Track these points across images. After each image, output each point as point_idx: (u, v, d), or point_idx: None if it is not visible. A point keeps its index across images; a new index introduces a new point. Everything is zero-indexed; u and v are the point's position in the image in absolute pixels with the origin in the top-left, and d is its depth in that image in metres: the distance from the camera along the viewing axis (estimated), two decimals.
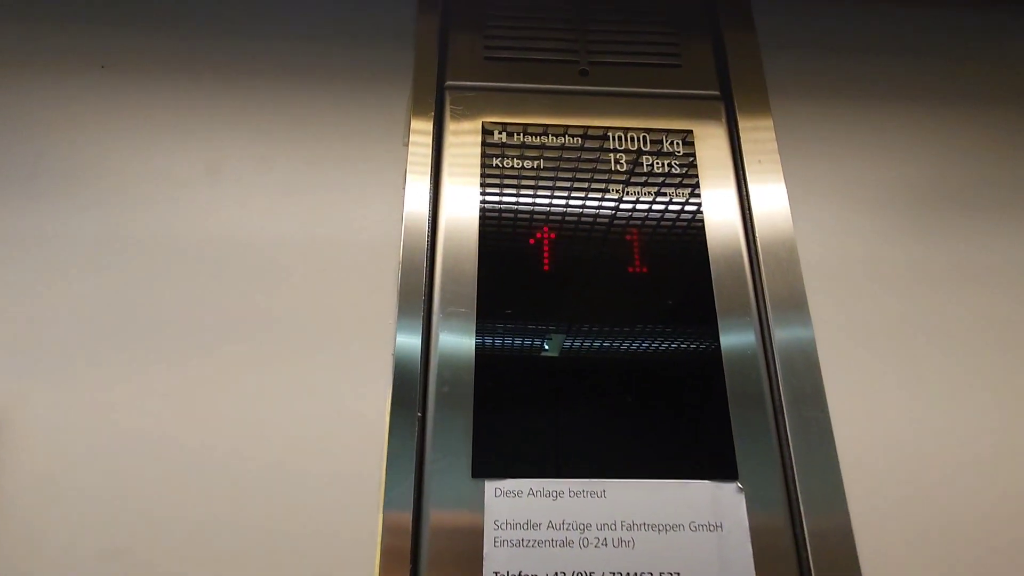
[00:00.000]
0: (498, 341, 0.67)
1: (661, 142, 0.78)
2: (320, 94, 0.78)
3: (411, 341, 0.66)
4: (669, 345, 0.68)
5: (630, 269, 0.71)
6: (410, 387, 0.64)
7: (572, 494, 0.61)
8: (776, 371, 0.67)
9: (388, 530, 0.58)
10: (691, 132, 0.79)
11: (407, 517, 0.59)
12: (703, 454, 0.64)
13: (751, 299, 0.70)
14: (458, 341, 0.66)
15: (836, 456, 0.63)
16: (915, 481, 0.63)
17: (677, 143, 0.79)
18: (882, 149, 0.79)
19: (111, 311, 0.65)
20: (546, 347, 0.67)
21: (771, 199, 0.75)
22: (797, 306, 0.70)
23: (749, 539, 0.60)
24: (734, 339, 0.68)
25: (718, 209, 0.75)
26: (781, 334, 0.68)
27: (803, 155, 0.79)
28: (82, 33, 0.78)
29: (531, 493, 0.61)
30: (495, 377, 0.65)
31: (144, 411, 0.61)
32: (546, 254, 0.71)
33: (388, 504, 0.59)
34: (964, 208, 0.77)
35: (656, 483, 0.62)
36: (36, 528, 0.57)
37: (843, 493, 0.62)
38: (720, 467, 0.63)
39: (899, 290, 0.71)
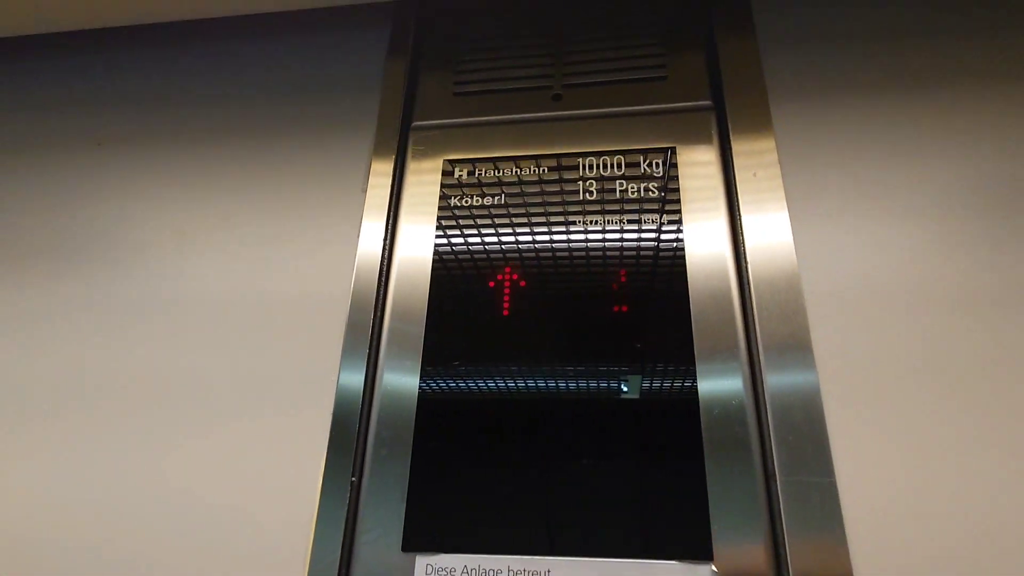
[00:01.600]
0: (443, 394, 0.61)
1: (638, 164, 0.70)
2: (287, 147, 0.78)
3: (352, 399, 0.62)
4: (636, 396, 0.59)
5: (594, 311, 0.63)
6: (346, 450, 0.60)
7: (512, 573, 0.53)
8: (768, 425, 0.55)
9: None
10: (673, 149, 0.70)
11: None
12: (671, 528, 0.53)
13: (739, 339, 0.60)
14: (400, 397, 0.61)
15: (844, 534, 0.51)
16: (953, 569, 0.49)
17: (656, 163, 0.70)
18: (906, 150, 0.65)
19: (66, 374, 0.67)
20: (492, 398, 0.61)
21: (769, 218, 0.64)
22: (798, 346, 0.58)
23: None
24: (715, 387, 0.58)
25: (701, 233, 0.65)
26: (776, 380, 0.57)
27: (810, 165, 0.67)
28: (79, 115, 0.85)
29: (465, 571, 0.54)
30: (435, 433, 0.59)
31: (92, 473, 0.62)
32: (505, 295, 0.65)
33: None
34: (1013, 215, 0.61)
35: (611, 562, 0.52)
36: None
37: (850, 573, 0.49)
38: (691, 544, 0.52)
39: (925, 316, 0.57)
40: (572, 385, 0.60)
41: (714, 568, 0.51)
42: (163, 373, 0.67)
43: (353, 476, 0.59)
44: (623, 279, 0.64)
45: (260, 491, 0.59)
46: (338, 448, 0.60)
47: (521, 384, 0.61)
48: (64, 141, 0.83)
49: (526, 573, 0.53)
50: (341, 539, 0.56)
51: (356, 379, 0.63)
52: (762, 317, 0.60)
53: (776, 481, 0.53)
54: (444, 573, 0.54)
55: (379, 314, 0.66)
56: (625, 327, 0.62)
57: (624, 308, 0.63)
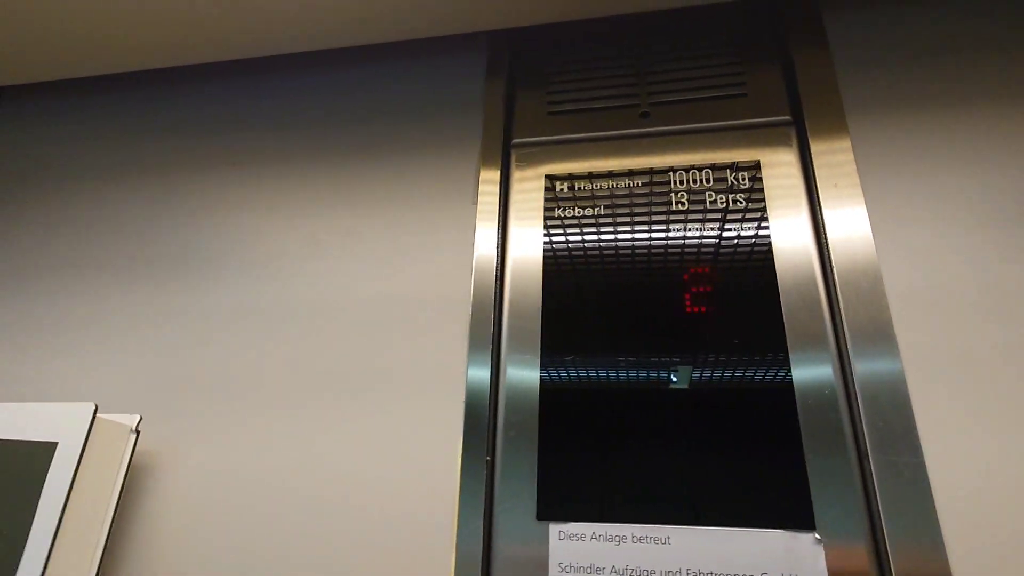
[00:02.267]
0: (562, 381, 0.70)
1: (725, 176, 0.77)
2: (399, 166, 0.87)
3: (481, 388, 0.71)
4: (739, 384, 0.67)
5: (694, 309, 0.70)
6: (479, 433, 0.69)
7: (635, 539, 0.62)
8: (859, 410, 0.62)
9: (461, 567, 0.63)
10: (758, 163, 0.77)
11: (477, 556, 0.63)
12: (776, 501, 0.61)
13: (828, 332, 0.67)
14: (524, 384, 0.70)
15: (933, 506, 0.58)
16: None
17: (742, 175, 0.77)
18: (978, 158, 0.71)
19: (239, 369, 0.78)
20: (610, 386, 0.69)
21: (850, 224, 0.71)
22: (883, 337, 0.65)
23: None
24: (808, 376, 0.65)
25: (788, 238, 0.72)
26: (864, 368, 0.64)
27: (886, 174, 0.73)
28: (215, 138, 0.95)
29: (594, 537, 0.62)
30: (559, 419, 0.68)
31: (256, 460, 0.73)
32: (609, 293, 0.73)
33: (460, 543, 0.64)
34: None
35: (725, 531, 0.60)
36: (181, 555, 0.70)
37: (943, 548, 0.56)
38: (795, 515, 0.60)
39: (1002, 315, 0.63)
40: (675, 375, 0.68)
41: (816, 535, 0.58)
42: (310, 369, 0.76)
43: (487, 456, 0.68)
44: (717, 279, 0.72)
45: (407, 470, 0.69)
46: (472, 431, 0.69)
47: (634, 373, 0.69)
48: (201, 161, 0.94)
49: (648, 539, 0.61)
50: (482, 510, 0.65)
51: (483, 371, 0.72)
52: (848, 312, 0.67)
53: (869, 461, 0.60)
54: (575, 539, 0.62)
55: (498, 312, 0.75)
56: (720, 323, 0.69)
57: (714, 306, 0.70)
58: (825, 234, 0.71)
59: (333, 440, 0.72)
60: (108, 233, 0.91)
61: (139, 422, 0.72)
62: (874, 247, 0.69)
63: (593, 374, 0.70)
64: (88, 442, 0.66)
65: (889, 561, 0.56)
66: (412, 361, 0.75)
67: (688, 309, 0.70)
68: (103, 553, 0.66)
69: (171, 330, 0.82)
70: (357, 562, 0.66)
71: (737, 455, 0.64)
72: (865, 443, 0.61)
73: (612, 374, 0.69)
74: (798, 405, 0.64)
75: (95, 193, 0.95)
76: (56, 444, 0.66)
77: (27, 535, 0.62)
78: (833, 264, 0.69)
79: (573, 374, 0.70)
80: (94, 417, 0.67)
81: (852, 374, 0.64)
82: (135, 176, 0.95)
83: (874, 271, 0.68)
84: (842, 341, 0.66)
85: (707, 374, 0.67)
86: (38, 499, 0.63)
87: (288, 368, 0.77)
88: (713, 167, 0.78)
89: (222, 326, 0.81)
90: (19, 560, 0.61)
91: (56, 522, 0.62)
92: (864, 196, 0.72)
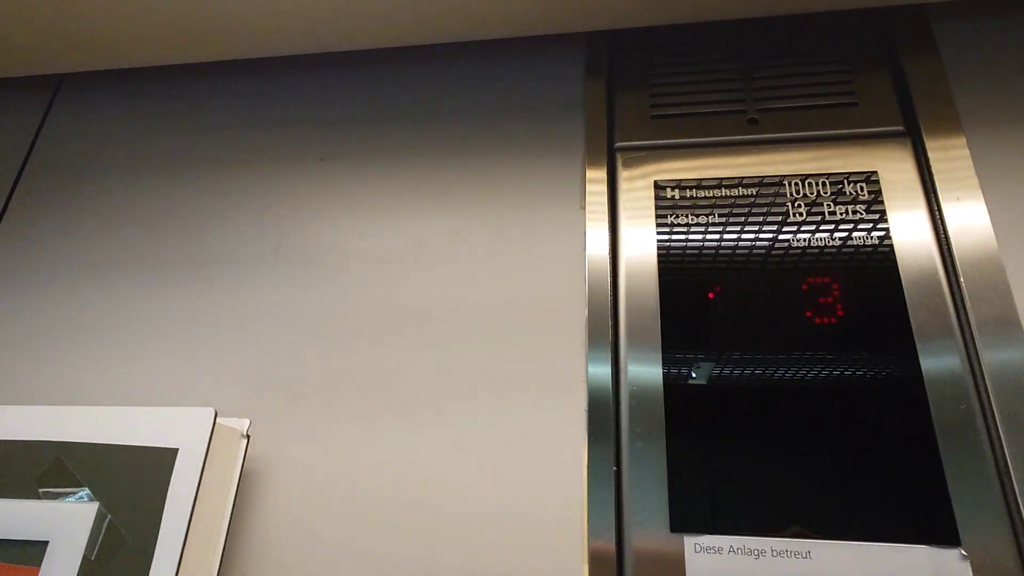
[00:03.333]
0: (687, 388, 0.69)
1: (842, 185, 0.77)
2: (500, 167, 0.86)
3: (603, 393, 0.70)
4: (869, 396, 0.66)
5: (820, 319, 0.70)
6: (605, 441, 0.68)
7: (775, 553, 0.61)
8: (997, 424, 0.62)
9: None
10: (875, 173, 0.77)
11: (613, 570, 0.62)
12: (917, 514, 0.61)
13: (951, 314, 0.67)
14: (648, 387, 0.69)
15: None
16: None
17: (860, 186, 0.76)
18: None
19: (346, 376, 0.76)
20: (739, 388, 0.68)
21: (972, 234, 0.71)
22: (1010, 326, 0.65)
23: None
24: (939, 375, 0.65)
25: (912, 250, 0.71)
26: (992, 356, 0.64)
27: (1008, 184, 0.73)
28: (302, 132, 0.93)
29: (731, 550, 0.62)
30: (688, 424, 0.67)
31: (377, 466, 0.71)
32: (729, 299, 0.72)
33: (592, 556, 0.63)
34: None
35: (867, 546, 0.60)
36: (290, 563, 0.68)
37: None
38: (938, 530, 0.59)
39: None
40: (808, 374, 0.67)
41: (962, 551, 0.58)
42: (419, 375, 0.75)
43: (614, 465, 0.67)
44: (837, 290, 0.71)
45: (529, 482, 0.68)
46: (597, 439, 0.68)
47: (763, 372, 0.68)
48: (293, 156, 0.91)
49: (788, 554, 0.61)
50: (613, 522, 0.64)
51: (603, 369, 0.71)
52: (976, 311, 0.66)
53: (1011, 478, 0.60)
54: (712, 551, 0.62)
55: (614, 313, 0.74)
56: (848, 334, 0.69)
57: (842, 315, 0.70)
58: (950, 247, 0.71)
59: (444, 449, 0.71)
60: (207, 232, 0.89)
61: (249, 426, 0.71)
62: (1004, 267, 0.69)
63: (720, 372, 0.69)
64: (210, 448, 0.64)
65: None
66: (527, 367, 0.73)
67: (821, 319, 0.70)
68: (223, 554, 0.64)
69: (275, 333, 0.80)
70: (488, 573, 0.65)
71: (874, 462, 0.63)
72: (1005, 454, 0.61)
73: (738, 373, 0.68)
74: (934, 423, 0.63)
75: (189, 188, 0.93)
76: (177, 450, 0.64)
77: (155, 544, 0.60)
78: (963, 282, 0.69)
79: (697, 386, 0.69)
80: (215, 423, 0.65)
81: (980, 363, 0.64)
82: (226, 171, 0.92)
83: (1004, 288, 0.68)
84: (968, 339, 0.66)
85: (833, 372, 0.67)
86: (163, 507, 0.61)
87: (396, 373, 0.75)
88: (829, 177, 0.78)
89: (327, 329, 0.79)
90: (148, 570, 0.59)
91: (184, 530, 0.60)
92: (987, 207, 0.72)
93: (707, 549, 0.62)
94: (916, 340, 0.67)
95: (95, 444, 0.65)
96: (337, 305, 0.80)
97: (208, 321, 0.82)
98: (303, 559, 0.68)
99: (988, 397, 0.63)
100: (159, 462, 0.63)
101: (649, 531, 0.64)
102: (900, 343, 0.67)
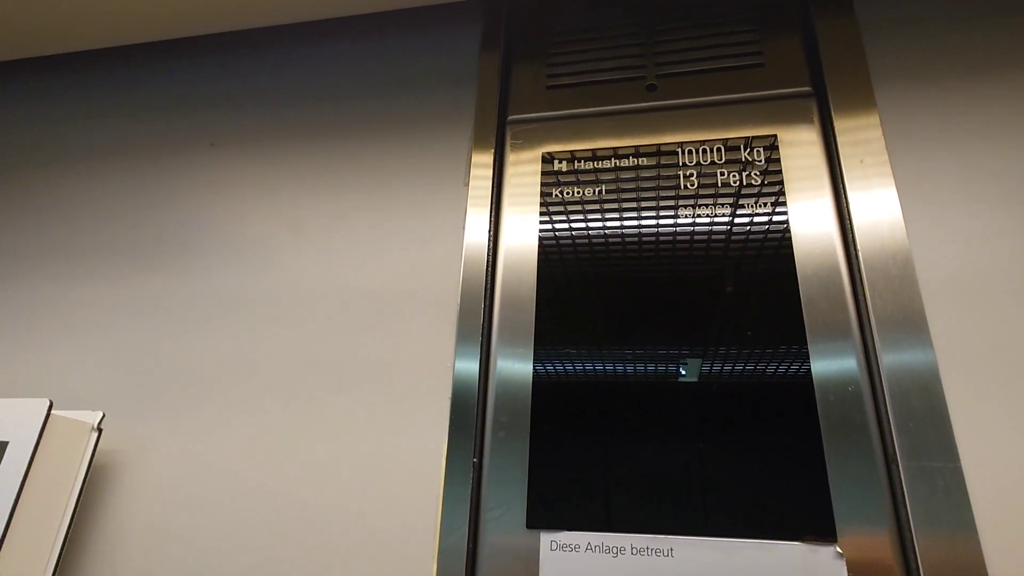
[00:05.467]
0: (557, 378, 0.64)
1: (739, 152, 0.71)
2: (388, 145, 0.81)
3: (469, 385, 0.65)
4: (752, 381, 0.60)
5: (702, 296, 0.64)
6: (466, 432, 0.63)
7: (635, 551, 0.56)
8: (887, 409, 0.56)
9: None
10: (775, 137, 0.70)
11: (461, 566, 0.58)
12: (793, 509, 0.55)
13: (852, 322, 0.60)
14: (516, 380, 0.64)
15: (972, 520, 0.51)
16: None
17: (757, 151, 0.70)
18: (1017, 132, 0.64)
19: (213, 362, 0.73)
20: (611, 380, 0.63)
21: (877, 204, 0.64)
22: (914, 328, 0.58)
23: None
24: (830, 370, 0.58)
25: (809, 220, 0.65)
26: (892, 361, 0.57)
27: (918, 150, 0.66)
28: (194, 117, 0.90)
29: (589, 548, 0.56)
30: (553, 419, 0.62)
31: (233, 457, 0.67)
32: (607, 281, 0.67)
33: (443, 553, 0.58)
34: None
35: (733, 543, 0.54)
36: (147, 555, 0.65)
37: (983, 568, 0.50)
38: (814, 526, 0.53)
39: None
40: (683, 368, 0.62)
41: (838, 549, 0.52)
42: (289, 362, 0.71)
43: (475, 457, 0.62)
44: (729, 265, 0.65)
45: (389, 470, 0.63)
46: (458, 430, 0.63)
47: (635, 367, 0.62)
48: (179, 142, 0.88)
49: (649, 551, 0.55)
50: (467, 516, 0.59)
51: (471, 366, 0.66)
52: (875, 301, 0.60)
53: (898, 467, 0.54)
54: (569, 549, 0.57)
55: (488, 303, 0.69)
56: (732, 312, 0.63)
57: (730, 293, 0.64)
58: (849, 213, 0.64)
59: (309, 438, 0.67)
60: (75, 219, 0.86)
61: (101, 419, 0.67)
62: (904, 230, 0.62)
63: (591, 367, 0.63)
64: (41, 441, 0.61)
65: None
66: (397, 354, 0.69)
67: (699, 296, 0.64)
68: (61, 553, 0.61)
69: (141, 322, 0.77)
70: (333, 567, 0.60)
71: (750, 458, 0.57)
72: (894, 446, 0.55)
73: (613, 367, 0.63)
74: (818, 403, 0.57)
75: (61, 177, 0.90)
76: (7, 443, 0.61)
77: None
78: (859, 248, 0.62)
79: (569, 367, 0.64)
80: (48, 414, 0.62)
81: (879, 368, 0.57)
82: (106, 158, 0.90)
83: (904, 255, 0.61)
84: (868, 332, 0.59)
85: (718, 366, 0.61)
86: None
87: (266, 361, 0.71)
88: (726, 143, 0.72)
89: (196, 317, 0.76)
90: None
91: (5, 523, 0.57)
92: (893, 174, 0.65)
93: (564, 546, 0.57)
94: (806, 320, 0.61)
95: None
96: (210, 292, 0.77)
97: (76, 311, 0.79)
98: (159, 550, 0.64)
99: (881, 386, 0.57)
100: None
101: (504, 526, 0.59)
102: (791, 322, 0.61)
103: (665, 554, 0.55)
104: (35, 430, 0.61)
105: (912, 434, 0.55)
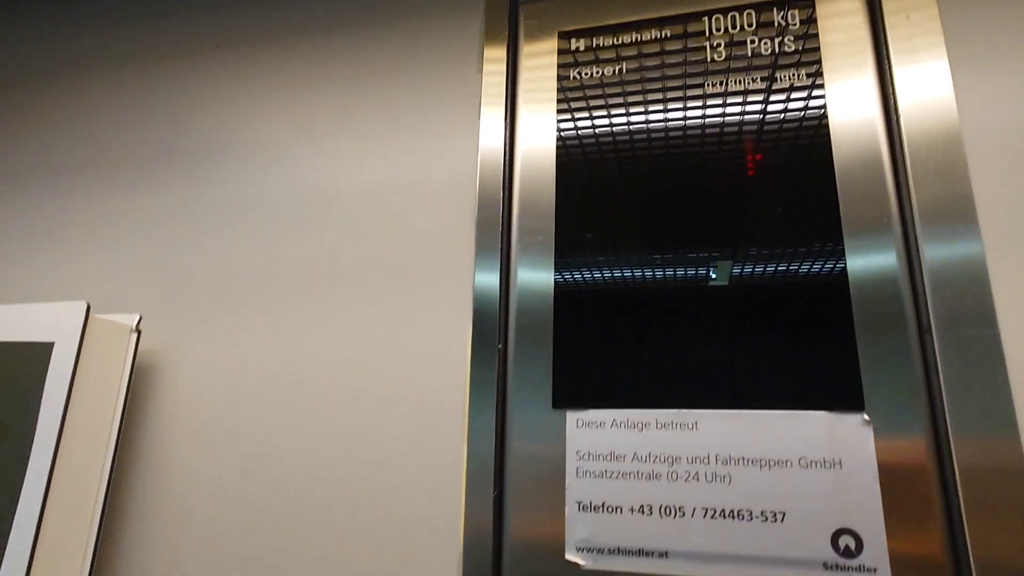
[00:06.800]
0: (577, 271, 0.63)
1: (772, 17, 0.65)
2: (395, 36, 0.78)
3: (490, 276, 0.65)
4: (776, 261, 0.58)
5: (729, 181, 0.61)
6: (490, 320, 0.63)
7: (659, 425, 0.56)
8: (923, 283, 0.54)
9: (473, 458, 0.59)
10: (812, 8, 0.65)
11: (490, 446, 0.59)
12: (819, 381, 0.54)
13: (891, 201, 0.57)
14: (536, 272, 0.64)
15: (1008, 387, 0.50)
16: None
17: (792, 15, 0.65)
18: None
19: (237, 266, 0.74)
20: (631, 273, 0.62)
21: (925, 68, 0.59)
22: (960, 213, 0.55)
23: (877, 479, 0.51)
24: (864, 251, 0.56)
25: (847, 92, 0.61)
26: (934, 250, 0.54)
27: (972, 3, 0.60)
28: (194, 19, 0.86)
29: (614, 424, 0.57)
30: (575, 304, 0.62)
31: (265, 353, 0.69)
32: (627, 171, 0.65)
33: (472, 434, 0.60)
34: None
35: (757, 414, 0.55)
36: (189, 456, 0.68)
37: (1015, 426, 0.49)
38: (841, 395, 0.53)
39: None
40: (713, 270, 0.60)
41: (865, 416, 0.52)
42: (310, 261, 0.72)
43: (499, 343, 0.63)
44: (759, 148, 0.62)
45: (416, 359, 0.65)
46: (481, 318, 0.64)
47: (660, 264, 0.61)
48: (184, 45, 0.86)
49: (673, 426, 0.56)
50: (495, 399, 0.61)
51: (492, 257, 0.65)
52: (917, 178, 0.56)
53: (932, 334, 0.52)
54: (594, 426, 0.58)
55: (507, 192, 0.67)
56: (764, 199, 0.60)
57: (762, 178, 0.61)
58: (893, 80, 0.60)
59: (337, 331, 0.68)
60: (89, 130, 0.86)
61: (139, 321, 0.70)
62: (953, 96, 0.58)
63: (608, 269, 0.62)
64: (84, 341, 0.64)
65: (950, 440, 0.50)
66: (416, 250, 0.69)
67: (733, 186, 0.61)
68: (116, 450, 0.65)
69: (165, 229, 0.78)
70: (367, 448, 0.63)
71: (773, 333, 0.57)
72: (929, 317, 0.53)
73: (639, 272, 0.62)
74: (850, 277, 0.56)
75: (74, 89, 0.89)
76: (52, 344, 0.63)
77: (34, 432, 0.61)
78: (901, 120, 0.58)
79: (587, 268, 0.63)
80: (87, 315, 0.64)
81: (920, 253, 0.55)
82: (113, 67, 0.88)
83: (952, 125, 0.57)
84: (907, 211, 0.56)
85: (749, 269, 0.59)
86: (41, 398, 0.62)
87: (288, 261, 0.72)
88: (757, 7, 0.66)
89: (217, 222, 0.76)
90: (29, 454, 0.60)
91: (60, 418, 0.61)
92: (943, 29, 0.60)
93: (589, 424, 0.58)
94: (838, 188, 0.58)
95: None
96: (227, 198, 0.77)
97: (101, 221, 0.81)
98: (203, 445, 0.68)
99: (920, 265, 0.55)
100: (36, 356, 0.63)
101: (531, 408, 0.60)
102: (821, 189, 0.58)
103: (690, 427, 0.56)
104: (77, 331, 0.63)
105: (949, 303, 0.53)
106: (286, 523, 0.63)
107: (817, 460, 0.52)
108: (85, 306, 0.64)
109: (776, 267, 0.58)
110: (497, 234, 0.66)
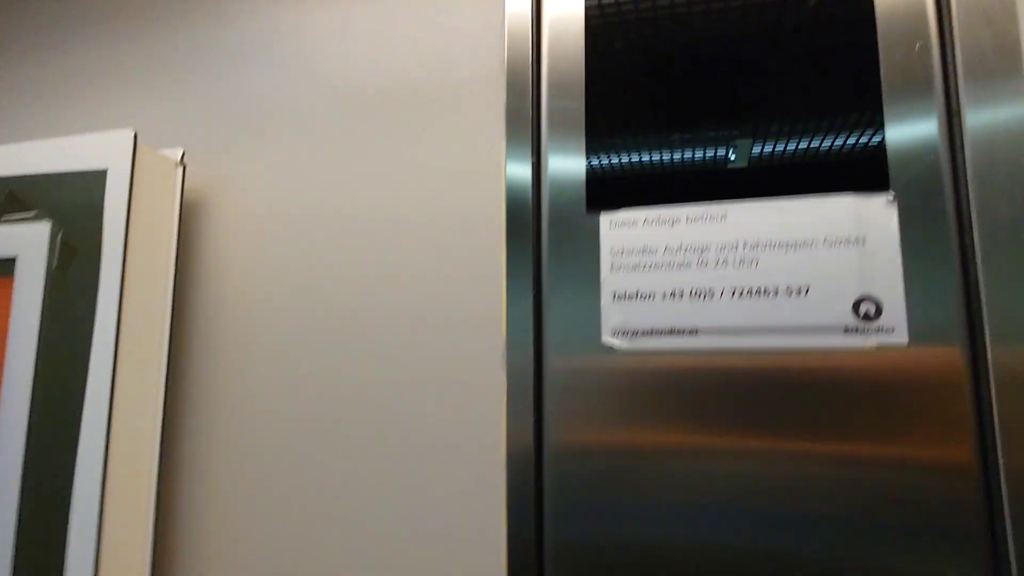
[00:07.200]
0: (610, 52, 0.63)
1: None
2: None
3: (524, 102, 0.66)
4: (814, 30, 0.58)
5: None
6: (523, 131, 0.65)
7: (689, 220, 0.59)
8: (954, 57, 0.54)
9: (512, 260, 0.63)
10: None
11: (528, 253, 0.63)
12: (845, 165, 0.56)
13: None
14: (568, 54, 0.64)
15: None
16: None
17: None
18: None
19: (279, 97, 0.75)
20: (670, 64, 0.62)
21: None
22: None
23: (899, 253, 0.53)
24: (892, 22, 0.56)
25: None
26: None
27: None
28: None
29: (646, 222, 0.60)
30: (610, 98, 0.63)
31: (315, 190, 0.72)
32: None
33: (510, 237, 0.64)
34: None
35: (783, 201, 0.57)
36: (242, 287, 0.73)
37: None
38: (866, 177, 0.55)
39: None
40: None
41: (890, 195, 0.54)
42: (349, 97, 0.73)
43: (533, 156, 0.65)
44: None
45: (449, 189, 0.67)
46: (516, 130, 0.65)
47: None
48: None
49: (703, 219, 0.59)
50: (530, 201, 0.63)
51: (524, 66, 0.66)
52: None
53: (960, 117, 0.53)
54: (627, 225, 0.61)
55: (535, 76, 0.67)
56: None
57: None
58: None
59: (374, 174, 0.70)
60: None
61: (183, 156, 0.72)
62: None
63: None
64: (135, 168, 0.66)
65: (971, 216, 0.52)
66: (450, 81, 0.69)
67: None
68: (175, 284, 0.70)
69: (202, 68, 0.79)
70: (408, 273, 0.67)
71: (803, 107, 0.58)
72: (958, 92, 0.54)
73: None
74: (880, 50, 0.56)
75: None
76: (106, 171, 0.66)
77: (100, 253, 0.65)
78: None
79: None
80: (135, 142, 0.67)
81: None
82: None
83: None
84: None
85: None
86: (102, 220, 0.66)
87: (322, 103, 0.73)
88: None
89: (252, 63, 0.77)
90: (98, 277, 0.65)
91: (123, 238, 0.65)
92: None
93: (622, 223, 0.61)
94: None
95: (39, 175, 0.68)
96: (267, 35, 0.77)
97: (150, 64, 0.82)
98: (252, 280, 0.73)
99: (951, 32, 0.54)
100: (94, 182, 0.66)
101: (565, 211, 0.63)
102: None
103: (719, 220, 0.58)
104: (128, 157, 0.66)
105: (983, 83, 0.53)
106: (340, 342, 0.69)
107: (840, 239, 0.55)
108: (132, 134, 0.67)
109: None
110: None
